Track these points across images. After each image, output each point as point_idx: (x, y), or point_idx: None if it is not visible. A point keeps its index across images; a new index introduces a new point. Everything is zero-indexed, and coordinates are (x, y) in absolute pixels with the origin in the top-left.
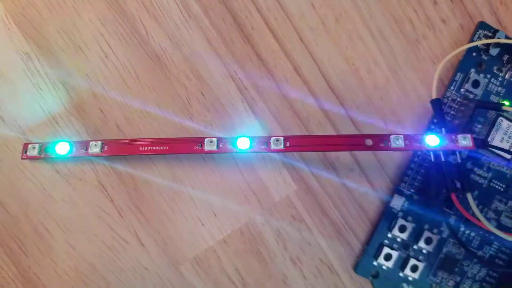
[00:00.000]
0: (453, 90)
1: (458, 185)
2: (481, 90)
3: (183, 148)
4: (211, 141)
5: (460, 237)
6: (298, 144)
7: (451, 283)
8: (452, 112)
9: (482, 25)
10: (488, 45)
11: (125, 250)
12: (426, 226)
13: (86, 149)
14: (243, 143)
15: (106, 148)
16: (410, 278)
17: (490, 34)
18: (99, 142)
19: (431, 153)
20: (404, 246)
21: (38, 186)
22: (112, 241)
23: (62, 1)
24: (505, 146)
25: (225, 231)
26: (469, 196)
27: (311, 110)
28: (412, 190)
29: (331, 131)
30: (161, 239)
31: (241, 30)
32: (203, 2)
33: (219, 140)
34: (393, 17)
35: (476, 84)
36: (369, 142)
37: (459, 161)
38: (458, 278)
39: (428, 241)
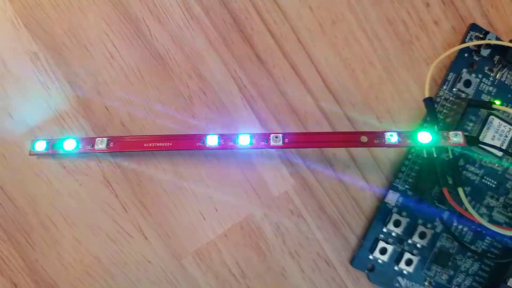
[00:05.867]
0: (445, 89)
1: (450, 180)
2: (473, 89)
3: (186, 144)
4: (212, 138)
5: (453, 231)
6: (296, 140)
7: (444, 276)
8: (444, 110)
9: (474, 27)
10: (479, 46)
11: (129, 243)
12: (420, 221)
13: (92, 146)
14: (243, 140)
15: (111, 144)
16: (404, 272)
17: (481, 36)
18: (105, 139)
19: (424, 149)
20: (399, 240)
21: (45, 181)
22: (116, 235)
23: (69, 2)
24: (497, 143)
25: (226, 225)
26: (460, 190)
27: (308, 108)
28: (406, 186)
29: (327, 128)
30: (164, 232)
31: (241, 31)
32: (205, 4)
33: (220, 137)
34: (387, 19)
35: (468, 83)
36: (364, 138)
37: (451, 157)
38: (452, 272)
39: (422, 236)
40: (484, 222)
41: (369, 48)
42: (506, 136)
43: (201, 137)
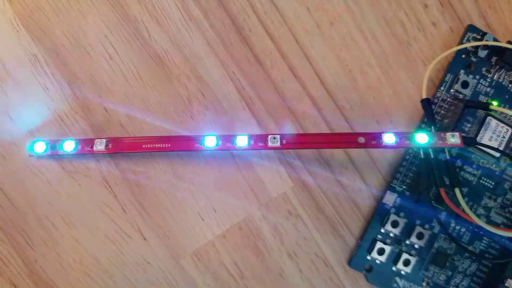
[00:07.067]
0: (443, 90)
1: (447, 181)
2: (470, 90)
3: (184, 145)
4: (211, 139)
5: (450, 232)
6: (294, 141)
7: (442, 277)
8: (442, 111)
9: (471, 28)
10: (477, 47)
11: (128, 244)
12: (418, 222)
13: (91, 147)
14: (241, 141)
15: (110, 145)
16: (402, 272)
17: (479, 37)
18: (104, 140)
19: (421, 150)
20: (397, 241)
21: (45, 182)
22: (115, 235)
23: (68, 4)
24: (494, 144)
25: (224, 226)
26: (457, 191)
27: (306, 109)
28: (404, 187)
29: (325, 130)
30: (163, 233)
31: (240, 32)
32: (203, 6)
33: (218, 138)
34: (385, 20)
35: (465, 84)
36: (361, 139)
37: (448, 158)
38: (450, 273)
39: (419, 236)
40: (481, 223)
41: (367, 49)
42: (504, 137)
43: (199, 138)
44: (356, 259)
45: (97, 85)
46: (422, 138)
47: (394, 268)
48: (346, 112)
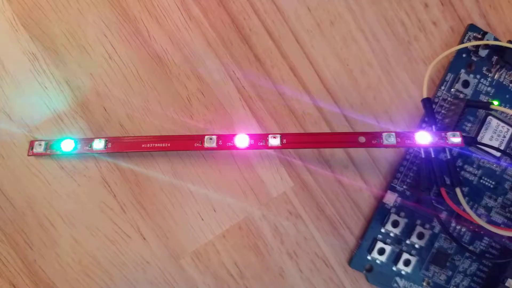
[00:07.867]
0: (443, 90)
1: (448, 181)
2: (471, 90)
3: (184, 145)
4: (210, 139)
5: (451, 232)
6: (294, 141)
7: (442, 277)
8: (442, 111)
9: (472, 28)
10: (477, 46)
11: (127, 244)
12: (418, 221)
13: (90, 146)
14: (241, 141)
15: (109, 145)
16: (403, 272)
17: (479, 36)
18: (103, 139)
19: (422, 150)
20: (397, 241)
21: (44, 182)
22: (114, 235)
23: (67, 3)
24: (495, 144)
25: (224, 226)
26: (457, 190)
27: (306, 109)
28: (404, 187)
29: (325, 129)
30: (162, 233)
31: (240, 31)
32: (203, 5)
33: (218, 137)
34: (386, 20)
35: (466, 84)
36: (362, 139)
37: (449, 157)
38: (450, 273)
39: (420, 236)
40: (482, 222)
41: (368, 49)
42: (504, 137)
43: (199, 138)
44: (356, 259)
45: (96, 84)
46: (423, 138)
47: (394, 268)
48: (347, 112)
